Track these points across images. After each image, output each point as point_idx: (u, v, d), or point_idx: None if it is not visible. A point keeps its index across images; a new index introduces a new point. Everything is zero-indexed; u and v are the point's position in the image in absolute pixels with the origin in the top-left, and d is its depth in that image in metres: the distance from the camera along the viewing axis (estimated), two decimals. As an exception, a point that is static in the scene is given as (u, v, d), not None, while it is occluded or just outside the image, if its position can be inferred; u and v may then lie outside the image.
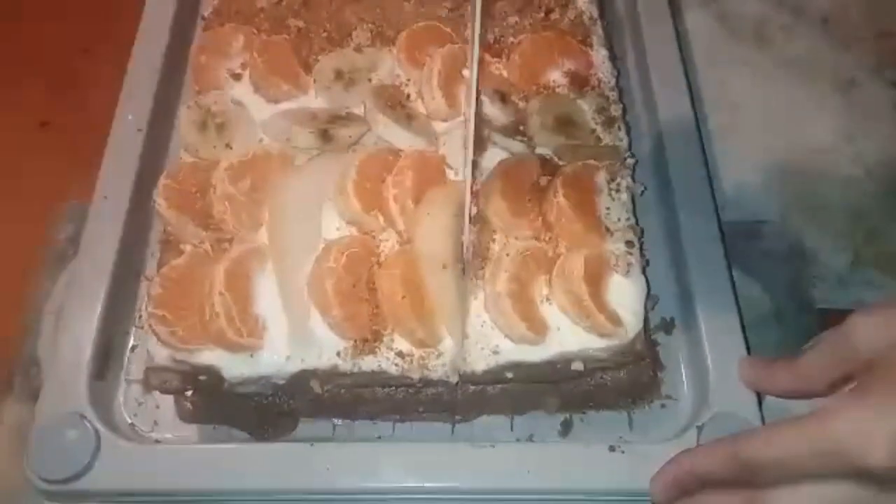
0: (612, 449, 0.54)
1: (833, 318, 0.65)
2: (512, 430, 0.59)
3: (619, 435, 0.58)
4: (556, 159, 0.60)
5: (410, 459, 0.54)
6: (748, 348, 0.58)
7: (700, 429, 0.54)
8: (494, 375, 0.54)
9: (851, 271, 0.71)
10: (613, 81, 0.64)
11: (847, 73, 0.81)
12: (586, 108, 0.62)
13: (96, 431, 0.54)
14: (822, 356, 0.48)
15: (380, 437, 0.59)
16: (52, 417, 0.54)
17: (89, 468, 0.53)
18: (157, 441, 0.58)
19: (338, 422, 0.59)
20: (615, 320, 0.53)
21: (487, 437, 0.57)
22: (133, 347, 0.62)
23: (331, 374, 0.53)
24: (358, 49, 0.63)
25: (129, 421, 0.59)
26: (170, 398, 0.59)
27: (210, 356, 0.52)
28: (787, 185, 0.74)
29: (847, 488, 0.42)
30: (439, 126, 0.61)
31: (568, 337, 0.53)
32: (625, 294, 0.54)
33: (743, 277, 0.69)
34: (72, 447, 0.53)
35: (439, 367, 0.52)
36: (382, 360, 0.52)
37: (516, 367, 0.54)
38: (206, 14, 0.70)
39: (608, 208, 0.58)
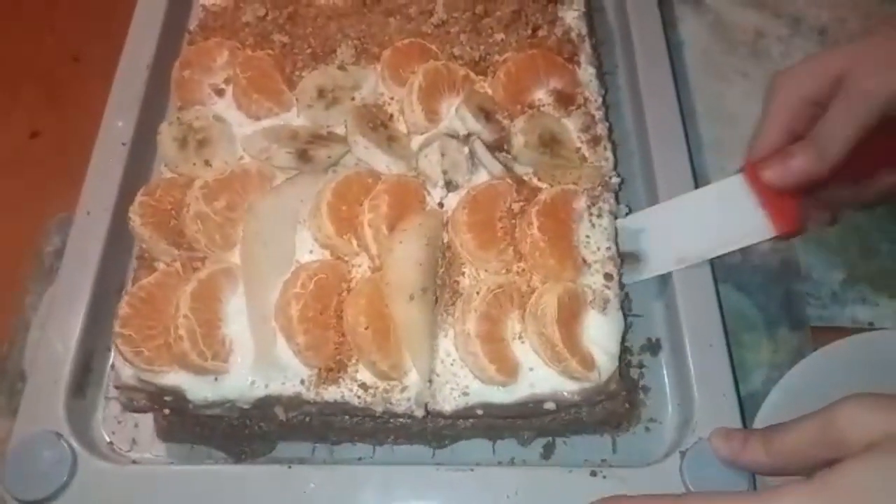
0: (593, 474, 0.53)
1: (825, 334, 0.65)
2: (494, 452, 0.58)
3: (602, 458, 0.58)
4: (534, 180, 0.58)
5: (390, 483, 0.53)
6: (734, 372, 0.57)
7: (683, 454, 0.53)
8: (463, 413, 0.53)
9: (845, 288, 0.70)
10: (600, 100, 0.63)
11: (844, 85, 0.80)
12: (571, 126, 0.61)
13: (73, 451, 0.54)
14: (806, 439, 0.45)
15: (360, 459, 0.58)
16: (28, 436, 0.54)
17: (65, 489, 0.52)
18: (134, 461, 0.58)
19: (316, 443, 0.58)
20: (588, 364, 0.51)
21: (469, 461, 0.56)
22: (113, 364, 0.61)
23: (294, 402, 0.52)
24: (342, 67, 0.62)
25: (108, 439, 0.59)
26: (149, 416, 0.58)
27: (175, 378, 0.51)
28: (782, 200, 0.73)
29: None
30: (418, 139, 0.60)
31: (540, 378, 0.52)
32: (601, 332, 0.53)
33: (736, 293, 0.68)
34: (48, 467, 0.53)
35: (403, 401, 0.51)
36: (345, 391, 0.51)
37: (486, 406, 0.52)
38: (191, 27, 0.69)
39: (588, 237, 0.56)
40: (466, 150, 0.58)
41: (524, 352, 0.52)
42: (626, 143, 0.69)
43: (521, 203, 0.56)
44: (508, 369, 0.51)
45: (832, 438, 0.43)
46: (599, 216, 0.57)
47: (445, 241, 0.56)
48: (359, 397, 0.51)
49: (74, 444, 0.54)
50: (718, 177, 0.74)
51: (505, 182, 0.57)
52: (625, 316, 0.55)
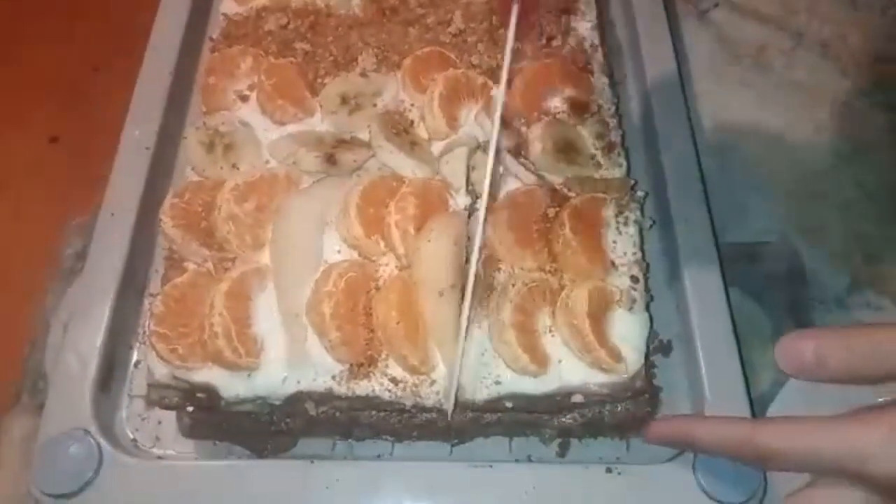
0: (608, 470, 0.55)
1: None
2: (510, 450, 0.60)
3: (617, 456, 0.59)
4: (565, 190, 0.60)
5: (409, 479, 0.54)
6: (744, 371, 0.58)
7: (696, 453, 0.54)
8: (494, 405, 0.54)
9: (850, 293, 0.71)
10: (613, 108, 0.65)
11: (845, 97, 0.82)
12: (586, 133, 0.63)
13: (99, 447, 0.55)
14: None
15: (379, 456, 0.59)
16: (55, 432, 0.55)
17: (91, 483, 0.54)
18: (158, 457, 0.59)
19: (338, 439, 0.60)
20: (616, 356, 0.53)
21: (486, 457, 0.58)
22: (136, 363, 0.63)
23: (325, 397, 0.53)
24: (363, 74, 0.64)
25: (132, 436, 0.60)
26: (172, 414, 0.60)
27: (208, 374, 0.53)
28: (787, 207, 0.75)
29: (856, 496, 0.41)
30: (438, 145, 0.62)
31: (569, 370, 0.53)
32: (628, 329, 0.55)
33: (743, 298, 0.69)
34: (75, 462, 0.54)
35: (432, 394, 0.53)
36: (376, 385, 0.53)
37: (516, 397, 0.54)
38: (214, 35, 0.71)
39: (615, 242, 0.58)
40: (501, 168, 0.60)
41: (554, 345, 0.54)
42: (635, 151, 0.71)
43: (555, 209, 0.58)
44: (540, 359, 0.53)
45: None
46: (626, 224, 0.59)
47: (482, 240, 0.57)
48: (389, 391, 0.53)
49: (101, 440, 0.55)
50: (724, 185, 0.76)
51: (540, 188, 0.59)
52: (650, 318, 0.56)
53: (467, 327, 0.53)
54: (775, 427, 0.44)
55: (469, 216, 0.59)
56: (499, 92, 0.50)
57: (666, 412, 0.60)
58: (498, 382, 0.53)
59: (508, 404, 0.54)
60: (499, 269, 0.57)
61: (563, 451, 0.59)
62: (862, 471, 0.40)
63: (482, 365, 0.54)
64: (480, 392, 0.53)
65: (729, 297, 0.62)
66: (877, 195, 0.76)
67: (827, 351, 0.43)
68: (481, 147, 0.61)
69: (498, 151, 0.60)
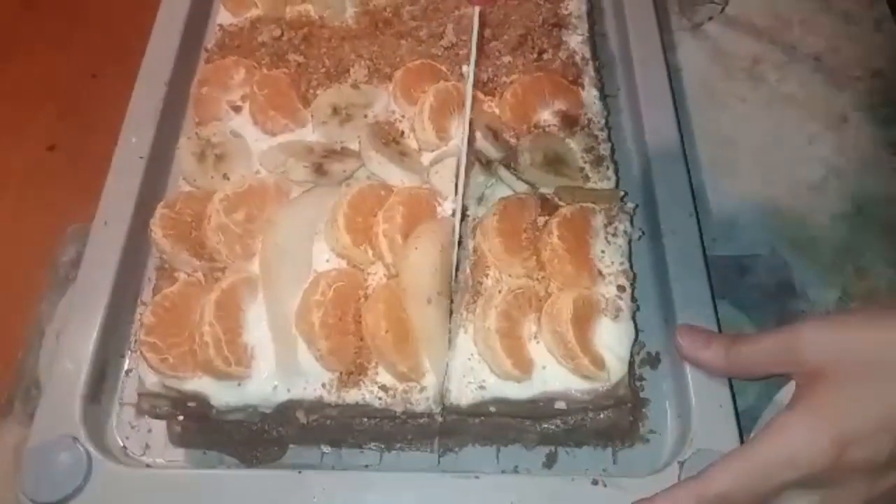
0: (594, 483, 0.55)
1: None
2: (498, 461, 0.60)
3: (603, 468, 0.59)
4: (556, 199, 0.61)
5: (396, 489, 0.55)
6: (731, 385, 0.58)
7: (682, 464, 0.55)
8: (478, 409, 0.55)
9: (839, 306, 0.71)
10: (603, 121, 0.66)
11: (839, 110, 0.82)
12: (575, 146, 0.63)
13: (88, 454, 0.55)
14: (765, 354, 0.51)
15: (367, 466, 0.60)
16: (45, 439, 0.56)
17: (80, 491, 0.54)
18: (147, 465, 0.59)
19: (326, 449, 0.60)
20: (599, 364, 0.53)
21: (473, 468, 0.58)
22: (128, 371, 0.63)
23: (316, 405, 0.54)
24: (355, 86, 0.65)
25: (122, 444, 0.60)
26: (162, 422, 0.60)
27: (198, 384, 0.53)
28: (778, 220, 0.76)
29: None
30: (429, 156, 0.63)
31: (552, 376, 0.54)
32: (612, 338, 0.55)
33: (733, 311, 0.70)
34: (64, 470, 0.54)
35: (423, 400, 0.53)
36: (366, 394, 0.53)
37: (500, 402, 0.54)
38: (208, 46, 0.72)
39: (603, 251, 0.59)
40: (482, 178, 0.61)
41: (539, 352, 0.55)
42: (627, 164, 0.71)
43: (545, 218, 0.59)
44: (523, 365, 0.53)
45: (790, 357, 0.48)
46: (615, 235, 0.60)
47: (471, 246, 0.58)
48: (380, 399, 0.53)
49: (90, 448, 0.56)
50: (716, 197, 0.77)
51: (532, 197, 0.60)
52: (635, 328, 0.57)
53: (451, 332, 0.53)
54: (715, 471, 0.47)
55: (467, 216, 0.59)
56: (468, 83, 0.50)
57: (653, 425, 0.61)
58: (482, 387, 0.54)
59: (492, 409, 0.55)
60: (486, 276, 0.57)
61: (549, 463, 0.60)
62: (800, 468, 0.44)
63: (467, 369, 0.54)
64: (465, 396, 0.54)
65: (717, 310, 0.62)
66: (868, 209, 0.76)
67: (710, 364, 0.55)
68: (481, 162, 0.61)
69: (489, 162, 0.61)
